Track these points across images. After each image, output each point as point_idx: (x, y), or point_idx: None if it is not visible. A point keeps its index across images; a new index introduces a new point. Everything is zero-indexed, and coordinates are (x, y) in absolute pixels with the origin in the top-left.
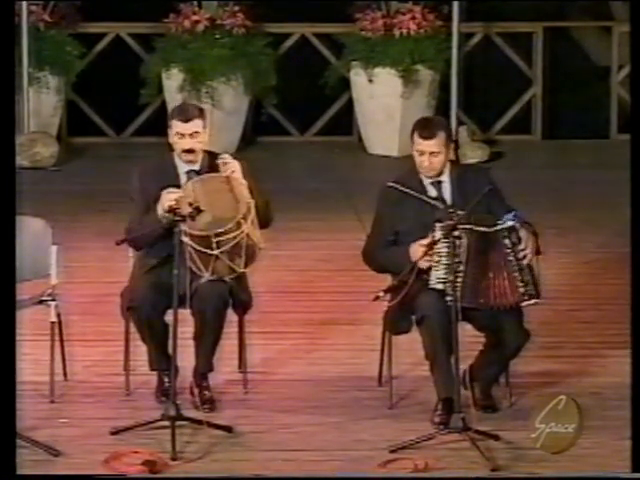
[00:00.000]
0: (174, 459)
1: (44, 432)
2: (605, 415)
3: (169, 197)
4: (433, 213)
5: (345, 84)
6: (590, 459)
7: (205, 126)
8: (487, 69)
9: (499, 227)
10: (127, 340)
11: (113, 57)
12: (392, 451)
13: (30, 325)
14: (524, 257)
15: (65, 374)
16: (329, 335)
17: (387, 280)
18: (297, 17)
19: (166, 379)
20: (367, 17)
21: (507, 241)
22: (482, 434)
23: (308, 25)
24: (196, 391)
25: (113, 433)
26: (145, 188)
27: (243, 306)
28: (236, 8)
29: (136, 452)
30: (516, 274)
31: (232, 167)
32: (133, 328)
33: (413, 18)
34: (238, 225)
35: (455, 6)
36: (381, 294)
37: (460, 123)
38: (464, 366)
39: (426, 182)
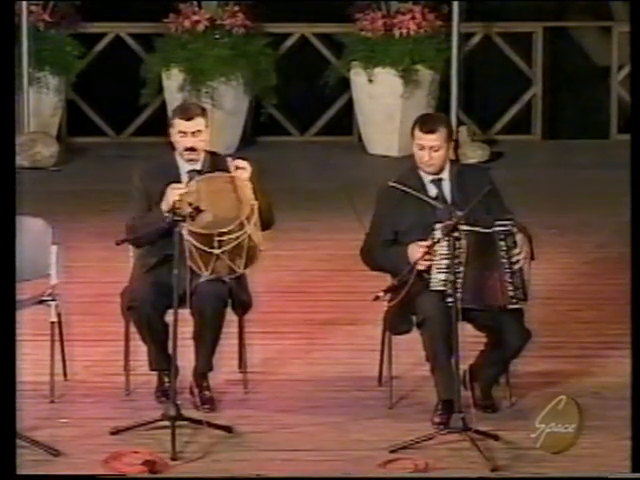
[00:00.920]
0: (174, 459)
1: (44, 432)
2: (605, 415)
3: (174, 192)
4: (433, 213)
5: (345, 84)
6: (590, 459)
7: (207, 125)
8: (487, 69)
9: (496, 229)
10: (127, 340)
11: (113, 57)
12: (392, 451)
13: (30, 325)
14: (517, 261)
15: (65, 374)
16: (329, 335)
17: (387, 280)
18: (297, 17)
19: (166, 379)
20: (367, 17)
21: (502, 243)
22: (482, 434)
23: (308, 25)
24: (196, 391)
25: (113, 433)
26: (146, 187)
27: (243, 306)
28: (236, 8)
29: (136, 452)
30: (507, 277)
31: (243, 170)
32: (133, 328)
33: (413, 18)
34: (241, 226)
35: (455, 6)
36: (381, 294)
37: (460, 123)
38: (464, 366)
39: (426, 180)
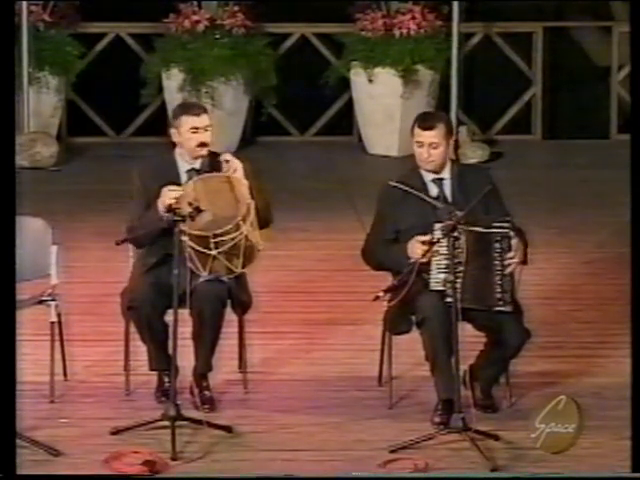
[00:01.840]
0: (174, 459)
1: (44, 432)
2: (605, 415)
3: (170, 194)
4: (434, 213)
5: (345, 84)
6: (590, 459)
7: (211, 123)
8: (487, 69)
9: (494, 230)
10: (127, 340)
11: (113, 57)
12: (392, 451)
13: (30, 325)
14: (509, 265)
15: (65, 374)
16: (329, 335)
17: (387, 280)
18: (297, 17)
19: (166, 379)
20: (367, 17)
21: (498, 245)
22: (482, 434)
23: (308, 25)
24: (196, 391)
25: (113, 433)
26: (146, 187)
27: (242, 306)
28: (236, 8)
29: (136, 452)
30: (497, 279)
31: (234, 166)
32: (133, 328)
33: (413, 18)
34: (237, 227)
35: (455, 6)
36: (381, 294)
37: (460, 123)
38: (464, 366)
39: (427, 180)
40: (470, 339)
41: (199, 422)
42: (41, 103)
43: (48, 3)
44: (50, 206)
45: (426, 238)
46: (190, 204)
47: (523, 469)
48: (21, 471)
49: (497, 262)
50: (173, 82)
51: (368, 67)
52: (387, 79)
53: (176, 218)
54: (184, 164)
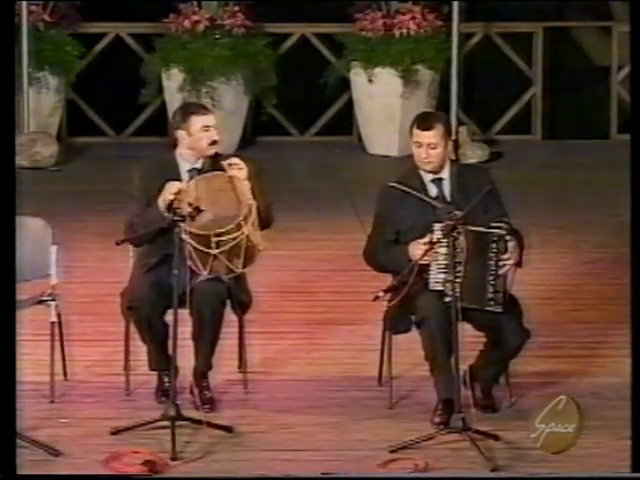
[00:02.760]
0: (174, 459)
1: (44, 432)
2: (605, 415)
3: (171, 190)
4: (434, 212)
5: (345, 84)
6: (590, 459)
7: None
8: (487, 69)
9: (491, 230)
10: (127, 340)
11: (113, 57)
12: (392, 451)
13: (30, 325)
14: (503, 266)
15: (65, 374)
16: (329, 335)
17: (387, 280)
18: (297, 17)
19: (166, 379)
20: (367, 17)
21: (494, 245)
22: (482, 434)
23: (308, 25)
24: (196, 391)
25: (113, 433)
26: (146, 186)
27: (242, 306)
28: (236, 8)
29: (136, 452)
30: (491, 279)
31: (237, 168)
32: (133, 328)
33: (413, 18)
34: (238, 227)
35: (455, 6)
36: (381, 294)
37: (460, 123)
38: (464, 366)
39: (427, 180)
40: (470, 339)
41: (199, 422)
42: (41, 103)
43: (48, 3)
44: (50, 206)
45: (427, 240)
46: (190, 204)
47: (523, 469)
48: (21, 471)
49: (492, 262)
50: (173, 82)
51: (368, 67)
52: (387, 79)
53: (176, 218)
54: (185, 164)
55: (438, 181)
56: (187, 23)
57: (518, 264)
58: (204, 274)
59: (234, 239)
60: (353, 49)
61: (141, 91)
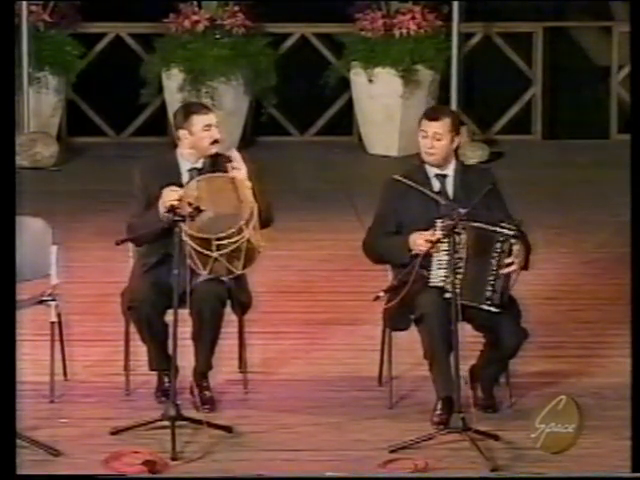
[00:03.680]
0: (174, 459)
1: (44, 432)
2: (605, 415)
3: (171, 196)
4: (436, 208)
5: (345, 84)
6: (590, 459)
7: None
8: (487, 69)
9: (499, 230)
10: (127, 340)
11: (113, 57)
12: (392, 451)
13: (30, 325)
14: (505, 267)
15: (65, 374)
16: (329, 335)
17: (387, 280)
18: (297, 17)
19: (166, 379)
20: (367, 17)
21: (498, 245)
22: (482, 434)
23: (308, 25)
24: (196, 391)
25: (113, 433)
26: (147, 186)
27: (242, 306)
28: (236, 8)
29: (136, 452)
30: (491, 279)
31: (238, 168)
32: (133, 328)
33: (413, 18)
34: (240, 230)
35: (455, 6)
36: (381, 294)
37: (460, 123)
38: (464, 366)
39: (431, 175)
40: (470, 339)
41: (199, 422)
42: (41, 103)
43: (48, 3)
44: (50, 206)
45: (429, 234)
46: (190, 204)
47: (523, 469)
48: (21, 471)
49: (494, 262)
50: (173, 82)
51: (368, 67)
52: (387, 79)
53: (176, 218)
54: (186, 163)
55: (442, 177)
56: (187, 23)
57: (524, 267)
58: (204, 274)
59: (235, 242)
60: (353, 49)
61: (141, 91)
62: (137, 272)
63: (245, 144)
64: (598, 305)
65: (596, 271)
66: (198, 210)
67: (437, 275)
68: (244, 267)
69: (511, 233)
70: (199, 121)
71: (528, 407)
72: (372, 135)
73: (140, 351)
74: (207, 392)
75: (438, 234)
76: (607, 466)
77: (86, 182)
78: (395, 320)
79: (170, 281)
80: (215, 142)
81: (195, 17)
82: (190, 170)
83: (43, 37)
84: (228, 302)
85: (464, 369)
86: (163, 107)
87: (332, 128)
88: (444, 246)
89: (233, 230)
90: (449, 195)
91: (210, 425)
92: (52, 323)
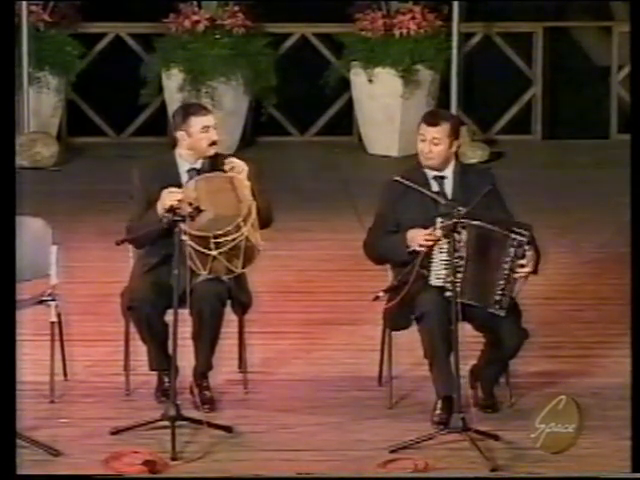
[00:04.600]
0: (174, 459)
1: (44, 432)
2: (605, 415)
3: (171, 197)
4: (435, 208)
5: (345, 84)
6: (590, 459)
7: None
8: (487, 69)
9: (513, 236)
10: (127, 340)
11: (113, 57)
12: (392, 451)
13: (30, 325)
14: (518, 272)
15: (65, 374)
16: (329, 335)
17: (387, 280)
18: (297, 17)
19: (166, 379)
20: (367, 17)
21: (512, 250)
22: (482, 434)
23: (308, 25)
24: (196, 391)
25: (113, 433)
26: (146, 186)
27: (242, 306)
28: (236, 8)
29: (136, 452)
30: (502, 282)
31: (238, 169)
32: (133, 328)
33: (413, 18)
34: (237, 228)
35: (455, 6)
36: (381, 294)
37: (461, 124)
38: (464, 366)
39: (430, 177)
40: (470, 339)
41: (199, 422)
42: (41, 103)
43: (48, 3)
44: (50, 206)
45: (428, 232)
46: (190, 204)
47: (523, 469)
48: (21, 471)
49: (506, 266)
50: (173, 82)
51: (368, 67)
52: (387, 79)
53: (176, 218)
54: (184, 164)
55: (440, 179)
56: (187, 23)
57: (534, 272)
58: (204, 274)
59: (233, 240)
60: (353, 49)
61: (141, 91)
62: (137, 272)
63: (245, 144)
64: (598, 305)
65: (596, 271)
66: (198, 210)
67: (437, 274)
68: (243, 266)
69: (525, 239)
70: (197, 122)
71: (528, 407)
72: (372, 135)
73: (140, 351)
74: (207, 392)
75: (438, 232)
76: (607, 466)
77: (86, 182)
78: (395, 320)
79: (170, 281)
80: (213, 144)
81: (195, 17)
82: (189, 171)
83: (43, 37)
84: (228, 302)
85: (464, 369)
86: (163, 107)
87: (332, 128)
88: (444, 245)
89: (230, 228)
90: (447, 196)
91: (210, 425)
92: (52, 323)
